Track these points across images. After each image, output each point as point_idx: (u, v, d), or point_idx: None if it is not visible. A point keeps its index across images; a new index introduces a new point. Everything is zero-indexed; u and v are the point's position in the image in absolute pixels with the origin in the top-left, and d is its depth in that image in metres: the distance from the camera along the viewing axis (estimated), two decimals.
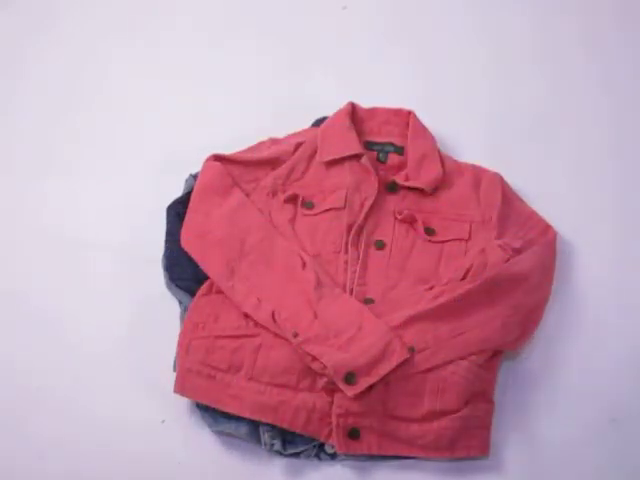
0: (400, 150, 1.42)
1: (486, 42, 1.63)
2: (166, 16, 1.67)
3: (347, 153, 1.39)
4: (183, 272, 1.36)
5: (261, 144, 1.45)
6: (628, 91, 1.58)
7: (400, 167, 1.41)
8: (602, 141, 1.54)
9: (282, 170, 1.39)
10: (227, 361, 1.27)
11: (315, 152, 1.41)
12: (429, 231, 1.35)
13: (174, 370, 1.32)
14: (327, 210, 1.37)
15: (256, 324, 1.28)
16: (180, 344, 1.30)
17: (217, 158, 1.39)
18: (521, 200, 1.42)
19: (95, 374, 1.36)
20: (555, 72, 1.60)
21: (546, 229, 1.39)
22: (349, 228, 1.35)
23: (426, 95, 1.57)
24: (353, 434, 1.23)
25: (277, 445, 1.26)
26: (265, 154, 1.41)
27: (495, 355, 1.28)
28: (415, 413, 1.23)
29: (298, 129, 1.48)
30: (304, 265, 1.30)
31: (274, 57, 1.63)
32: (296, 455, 1.28)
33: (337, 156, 1.39)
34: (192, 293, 1.34)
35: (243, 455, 1.30)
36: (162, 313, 1.39)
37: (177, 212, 1.39)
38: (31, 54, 1.64)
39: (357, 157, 1.39)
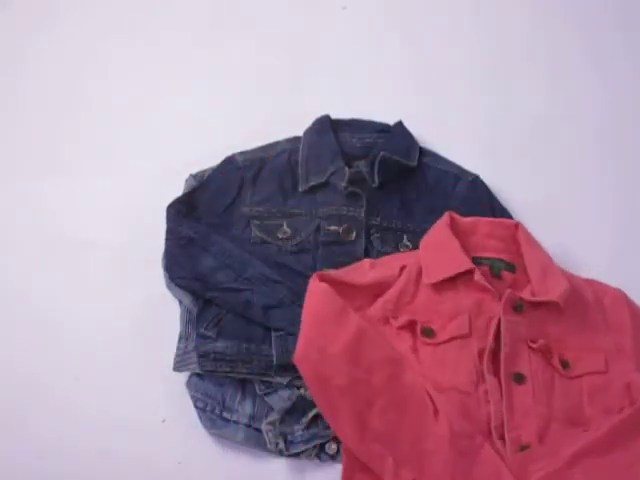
0: (511, 267, 1.31)
1: (486, 42, 1.63)
2: (166, 16, 1.67)
3: (457, 271, 1.27)
4: (182, 270, 1.36)
5: (360, 266, 1.32)
6: (628, 91, 1.58)
7: (514, 285, 1.29)
8: (602, 142, 1.54)
9: (390, 295, 1.28)
10: None
11: (421, 273, 1.29)
12: (564, 364, 1.24)
13: (174, 370, 1.32)
14: (451, 339, 1.25)
15: None
16: None
17: (322, 278, 1.27)
18: None
19: (95, 374, 1.36)
20: (555, 73, 1.60)
21: None
22: (480, 355, 1.24)
23: (426, 95, 1.57)
24: None
25: (280, 444, 1.27)
26: (368, 279, 1.29)
27: None
28: None
29: (298, 129, 1.47)
30: (436, 412, 1.17)
31: (274, 57, 1.62)
32: (296, 455, 1.29)
33: (446, 275, 1.27)
34: (192, 291, 1.35)
35: (243, 455, 1.30)
36: (162, 313, 1.39)
37: (177, 210, 1.39)
38: (31, 54, 1.64)
39: (468, 274, 1.27)
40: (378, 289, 1.29)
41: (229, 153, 1.44)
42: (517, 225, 1.32)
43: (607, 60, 1.60)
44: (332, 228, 1.39)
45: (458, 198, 1.41)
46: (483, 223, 1.33)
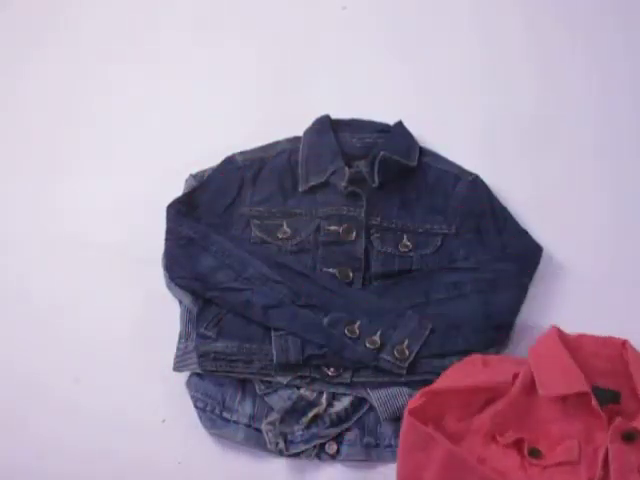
0: (617, 398, 1.25)
1: (486, 42, 1.62)
2: (167, 16, 1.67)
3: (573, 391, 1.21)
4: (182, 270, 1.36)
5: (472, 363, 1.29)
6: (628, 91, 1.57)
7: (622, 411, 1.24)
8: (602, 141, 1.53)
9: (501, 407, 1.23)
10: None
11: (532, 385, 1.24)
12: None
13: (174, 370, 1.32)
14: (560, 463, 1.22)
15: None
16: None
17: (424, 393, 1.23)
18: None
19: (95, 374, 1.36)
20: (555, 73, 1.60)
21: None
22: None
23: (426, 95, 1.57)
24: None
25: (280, 444, 1.27)
26: (479, 382, 1.25)
27: None
28: None
29: (298, 129, 1.47)
30: None
31: (274, 57, 1.62)
32: (296, 455, 1.29)
33: (562, 393, 1.22)
34: (192, 291, 1.35)
35: (243, 455, 1.31)
36: (162, 313, 1.39)
37: (177, 210, 1.39)
38: (31, 54, 1.64)
39: (582, 396, 1.22)
40: (489, 394, 1.24)
41: (229, 153, 1.44)
42: (624, 344, 1.27)
43: (607, 60, 1.60)
44: (332, 228, 1.39)
45: (458, 198, 1.41)
46: (588, 341, 1.28)
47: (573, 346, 1.27)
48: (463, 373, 1.28)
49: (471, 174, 1.44)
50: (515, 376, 1.25)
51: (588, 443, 1.22)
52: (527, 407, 1.24)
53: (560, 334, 1.27)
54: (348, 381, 1.31)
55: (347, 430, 1.31)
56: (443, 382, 1.26)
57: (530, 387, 1.24)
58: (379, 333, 1.31)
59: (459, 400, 1.24)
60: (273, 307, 1.32)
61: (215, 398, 1.32)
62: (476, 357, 1.29)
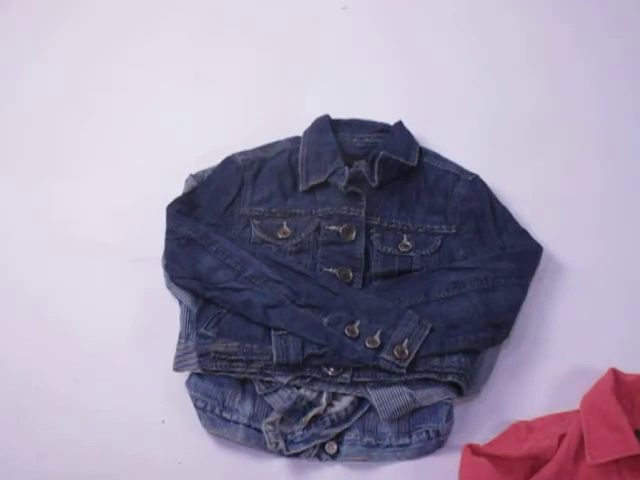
0: None
1: (486, 42, 1.62)
2: (166, 16, 1.67)
3: (625, 454, 1.16)
4: (182, 270, 1.36)
5: (516, 432, 1.26)
6: (627, 92, 1.58)
7: None
8: (603, 142, 1.53)
9: (547, 474, 1.19)
10: None
11: (581, 444, 1.19)
12: None
13: (174, 370, 1.32)
14: None
15: None
16: None
17: (475, 451, 1.21)
18: None
19: (95, 374, 1.36)
20: (555, 73, 1.60)
21: None
22: None
23: (426, 95, 1.57)
24: None
25: (281, 444, 1.27)
26: (524, 451, 1.22)
27: None
28: None
29: (298, 129, 1.47)
30: None
31: (274, 57, 1.62)
32: (296, 455, 1.29)
33: (612, 458, 1.17)
34: (192, 291, 1.35)
35: (243, 455, 1.31)
36: (162, 313, 1.39)
37: (177, 210, 1.39)
38: (31, 55, 1.64)
39: (637, 458, 1.18)
40: (534, 461, 1.20)
41: (229, 153, 1.44)
42: None
43: (607, 60, 1.60)
44: (332, 228, 1.39)
45: (458, 198, 1.41)
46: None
47: (633, 390, 1.22)
48: (507, 443, 1.24)
49: (471, 174, 1.44)
50: (561, 437, 1.20)
51: None
52: (576, 472, 1.19)
53: (617, 379, 1.21)
54: (348, 381, 1.31)
55: (347, 430, 1.31)
56: (490, 447, 1.23)
57: (579, 447, 1.19)
58: (379, 333, 1.31)
59: (504, 468, 1.20)
60: (273, 307, 1.32)
61: (215, 398, 1.32)
62: (520, 424, 1.25)
